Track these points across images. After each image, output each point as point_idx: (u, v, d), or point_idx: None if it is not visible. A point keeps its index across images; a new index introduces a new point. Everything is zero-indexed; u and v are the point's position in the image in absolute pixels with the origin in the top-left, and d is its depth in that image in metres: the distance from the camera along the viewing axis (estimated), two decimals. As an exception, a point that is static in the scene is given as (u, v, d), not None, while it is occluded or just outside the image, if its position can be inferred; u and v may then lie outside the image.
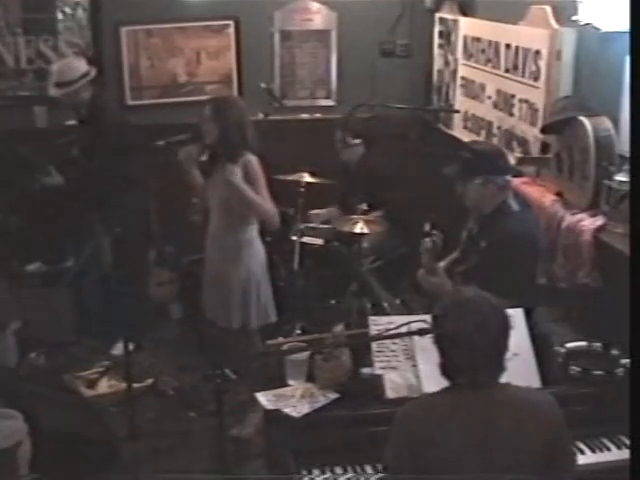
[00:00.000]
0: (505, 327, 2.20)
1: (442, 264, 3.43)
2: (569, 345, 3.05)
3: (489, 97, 4.73)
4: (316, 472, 2.61)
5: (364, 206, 4.60)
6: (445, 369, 2.24)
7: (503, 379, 2.24)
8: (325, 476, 2.61)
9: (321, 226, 5.05)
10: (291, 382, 2.92)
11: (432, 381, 2.63)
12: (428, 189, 5.01)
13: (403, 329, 2.66)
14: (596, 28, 3.46)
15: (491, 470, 2.12)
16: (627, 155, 3.23)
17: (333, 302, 4.83)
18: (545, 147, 4.05)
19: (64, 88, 4.59)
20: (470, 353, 2.14)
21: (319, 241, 4.92)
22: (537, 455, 2.16)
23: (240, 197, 3.75)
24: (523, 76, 4.22)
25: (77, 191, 4.71)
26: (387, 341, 2.84)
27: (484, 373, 2.18)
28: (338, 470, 2.63)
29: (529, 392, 2.39)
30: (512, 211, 3.29)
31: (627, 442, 2.75)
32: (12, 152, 5.03)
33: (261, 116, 5.58)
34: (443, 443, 2.13)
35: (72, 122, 5.17)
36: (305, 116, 5.84)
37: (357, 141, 4.95)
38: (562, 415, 2.24)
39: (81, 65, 4.71)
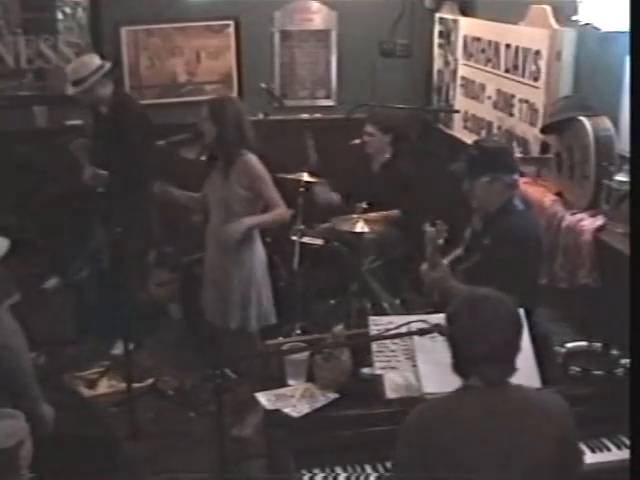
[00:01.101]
0: (518, 326, 2.20)
1: (445, 260, 3.43)
2: (569, 345, 3.06)
3: (489, 97, 4.73)
4: (316, 472, 2.61)
5: (364, 204, 4.59)
6: (457, 367, 2.22)
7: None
8: (325, 476, 2.61)
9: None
10: (291, 382, 2.92)
11: (432, 381, 2.64)
12: (431, 188, 5.00)
13: (403, 329, 2.66)
14: (596, 28, 3.47)
15: (503, 470, 2.11)
16: (627, 155, 3.23)
17: (333, 302, 4.82)
18: (545, 147, 4.05)
19: (79, 85, 4.56)
20: (483, 350, 2.13)
21: (319, 241, 4.91)
22: (549, 456, 2.15)
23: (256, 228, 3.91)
24: (523, 76, 4.22)
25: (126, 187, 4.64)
26: (387, 341, 2.84)
27: (496, 371, 2.17)
28: (338, 470, 2.63)
29: (541, 393, 2.39)
30: (517, 210, 3.27)
31: (627, 442, 2.75)
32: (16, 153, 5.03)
33: (261, 116, 5.57)
34: (457, 444, 2.12)
35: (72, 122, 5.18)
36: (305, 116, 5.84)
37: (387, 137, 4.92)
38: (573, 416, 2.23)
39: (94, 60, 4.67)
